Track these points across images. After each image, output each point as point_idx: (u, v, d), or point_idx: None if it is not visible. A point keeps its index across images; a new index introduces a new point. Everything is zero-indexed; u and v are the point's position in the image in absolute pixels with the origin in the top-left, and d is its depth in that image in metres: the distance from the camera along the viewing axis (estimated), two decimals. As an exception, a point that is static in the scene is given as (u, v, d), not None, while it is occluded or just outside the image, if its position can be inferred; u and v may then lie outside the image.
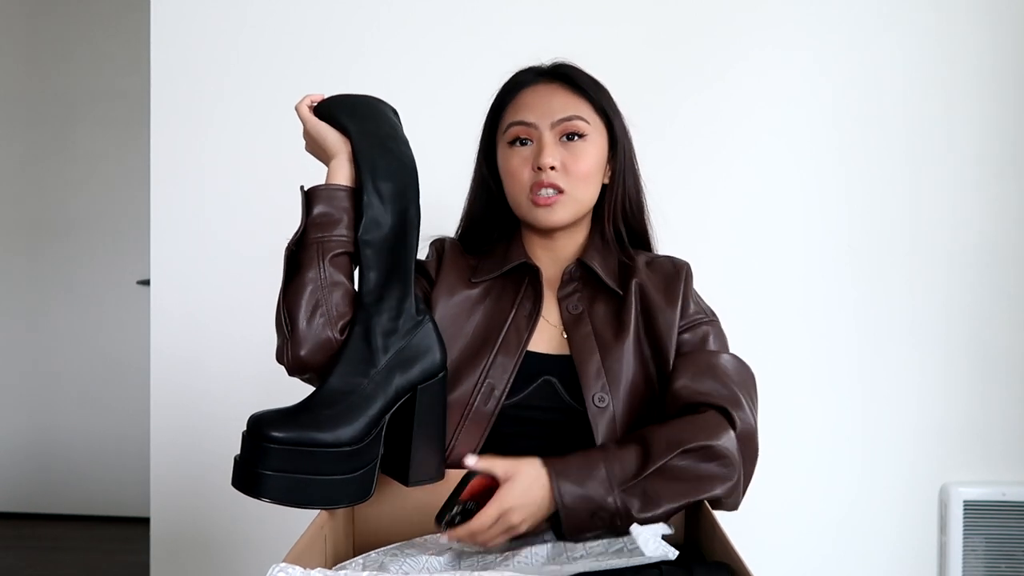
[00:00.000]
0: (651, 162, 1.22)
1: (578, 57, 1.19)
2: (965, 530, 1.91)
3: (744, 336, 1.97)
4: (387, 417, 0.87)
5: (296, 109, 1.01)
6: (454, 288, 1.11)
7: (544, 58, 1.18)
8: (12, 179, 3.29)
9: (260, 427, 0.82)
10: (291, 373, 1.00)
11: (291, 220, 2.17)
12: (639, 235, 1.18)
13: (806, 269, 1.95)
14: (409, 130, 1.97)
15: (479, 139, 1.19)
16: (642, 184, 1.17)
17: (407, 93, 1.98)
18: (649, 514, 0.88)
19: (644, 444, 0.93)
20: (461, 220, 1.22)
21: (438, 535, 0.91)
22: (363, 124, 0.97)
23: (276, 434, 0.81)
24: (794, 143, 1.94)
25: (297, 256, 0.97)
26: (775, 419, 1.95)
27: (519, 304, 1.09)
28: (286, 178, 2.01)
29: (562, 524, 0.87)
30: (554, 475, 0.89)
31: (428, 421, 0.92)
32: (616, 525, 0.88)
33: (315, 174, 2.13)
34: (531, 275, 1.12)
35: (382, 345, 0.89)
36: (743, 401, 0.99)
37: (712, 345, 1.07)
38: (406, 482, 0.91)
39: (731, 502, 0.95)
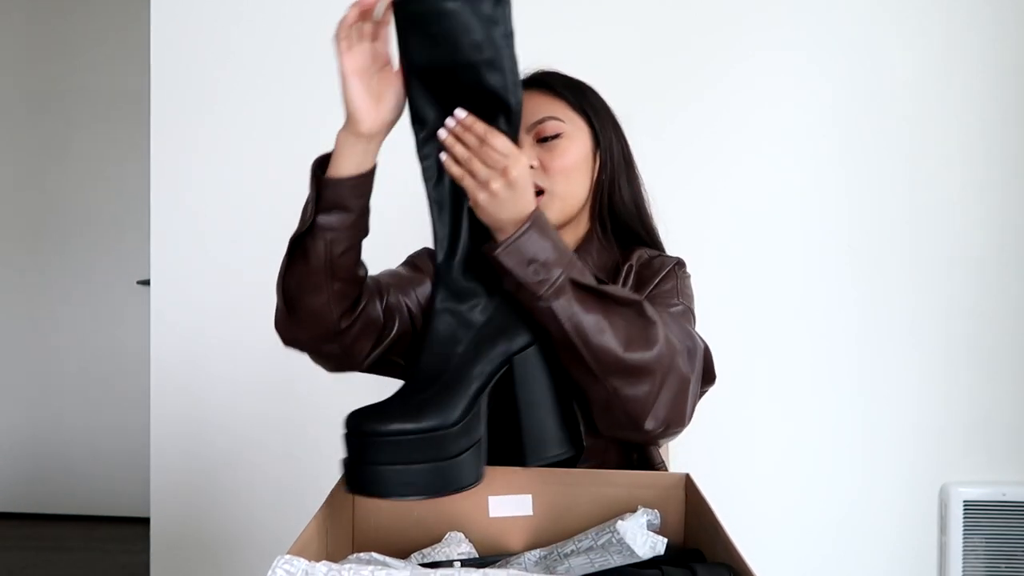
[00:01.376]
0: (651, 163, 1.22)
1: (578, 60, 1.19)
2: (965, 530, 1.91)
3: (744, 336, 1.98)
4: (485, 394, 0.85)
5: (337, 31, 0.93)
6: None
7: (545, 61, 1.17)
8: (12, 179, 3.29)
9: (361, 424, 0.79)
10: (285, 344, 1.02)
11: (291, 220, 2.16)
12: (641, 233, 1.17)
13: (806, 269, 1.95)
14: (409, 128, 1.98)
15: None
16: (640, 181, 1.17)
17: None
18: (568, 310, 0.87)
19: (611, 280, 1.01)
20: None
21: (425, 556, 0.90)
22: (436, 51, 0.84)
23: (379, 427, 0.78)
24: (794, 144, 1.94)
25: (304, 240, 0.95)
26: (775, 419, 1.96)
27: None
28: (286, 178, 2.01)
29: (506, 242, 0.86)
30: (539, 213, 0.88)
31: (532, 392, 0.89)
32: (533, 293, 0.86)
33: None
34: None
35: (466, 321, 0.87)
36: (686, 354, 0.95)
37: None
38: (525, 464, 0.89)
39: (642, 399, 0.91)
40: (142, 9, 2.14)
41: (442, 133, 0.85)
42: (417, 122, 0.88)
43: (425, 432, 0.79)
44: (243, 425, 2.03)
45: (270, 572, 0.64)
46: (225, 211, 2.02)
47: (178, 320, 2.04)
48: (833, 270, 1.94)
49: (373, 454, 0.78)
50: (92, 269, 3.27)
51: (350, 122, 0.94)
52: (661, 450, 1.14)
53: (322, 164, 0.97)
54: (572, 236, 1.14)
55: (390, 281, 1.09)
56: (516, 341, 0.88)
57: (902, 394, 1.95)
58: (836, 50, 1.94)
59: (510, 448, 0.90)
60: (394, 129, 1.22)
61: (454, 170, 0.85)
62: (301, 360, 2.17)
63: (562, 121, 1.08)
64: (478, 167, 0.84)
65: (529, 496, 0.93)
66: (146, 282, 2.15)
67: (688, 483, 0.93)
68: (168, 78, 2.02)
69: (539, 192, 1.06)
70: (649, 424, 0.92)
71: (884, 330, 1.95)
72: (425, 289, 1.11)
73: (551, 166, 1.07)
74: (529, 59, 1.20)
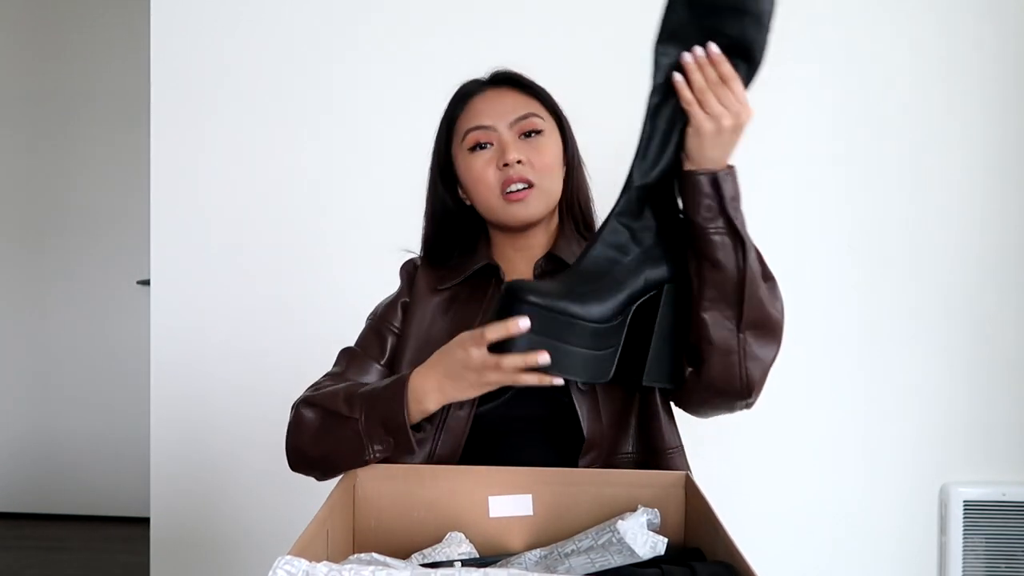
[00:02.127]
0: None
1: (575, 58, 1.19)
2: (965, 530, 1.91)
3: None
4: (634, 307, 0.91)
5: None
6: (424, 298, 1.14)
7: (538, 59, 1.19)
8: (12, 179, 3.29)
9: (518, 291, 0.87)
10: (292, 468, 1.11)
11: (289, 220, 2.17)
12: (586, 221, 1.20)
13: (806, 269, 1.95)
14: (407, 128, 1.97)
15: (432, 156, 1.17)
16: (587, 175, 1.20)
17: (407, 89, 1.98)
18: (752, 250, 0.92)
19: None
20: (423, 242, 1.21)
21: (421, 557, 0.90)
22: None
23: (533, 298, 0.86)
24: (794, 145, 1.94)
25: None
26: (776, 419, 1.95)
27: (487, 304, 1.10)
28: (286, 177, 2.02)
29: (727, 171, 0.92)
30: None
31: (670, 321, 0.94)
32: (731, 224, 0.91)
33: (314, 174, 2.12)
34: (496, 276, 1.12)
35: (636, 236, 0.92)
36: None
37: None
38: (641, 381, 0.95)
39: (763, 362, 0.96)
40: (142, 9, 2.14)
41: (687, 57, 0.87)
42: (664, 41, 0.90)
43: (586, 320, 0.88)
44: (243, 425, 2.03)
45: (271, 573, 0.64)
46: (225, 211, 2.02)
47: (178, 320, 2.04)
48: (833, 270, 1.94)
49: (533, 323, 0.85)
50: (92, 269, 3.27)
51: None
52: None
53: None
54: (545, 235, 1.15)
55: (355, 379, 1.11)
56: (670, 271, 0.94)
57: (902, 394, 1.95)
58: (836, 51, 1.93)
59: (630, 365, 0.94)
60: (392, 127, 1.21)
61: (686, 94, 0.88)
62: (301, 361, 2.16)
63: (542, 118, 1.10)
64: (712, 101, 0.87)
65: (529, 496, 0.93)
66: (146, 282, 2.15)
67: (688, 482, 0.93)
68: (168, 78, 2.02)
69: (529, 186, 1.07)
70: (755, 392, 0.97)
71: (884, 330, 1.94)
72: (387, 345, 1.13)
73: (537, 163, 1.08)
74: (522, 54, 1.21)
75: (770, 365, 0.97)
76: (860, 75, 1.93)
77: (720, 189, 0.90)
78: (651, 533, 0.83)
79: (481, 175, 1.09)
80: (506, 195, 1.07)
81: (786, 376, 1.94)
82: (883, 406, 1.95)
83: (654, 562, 0.83)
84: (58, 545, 3.02)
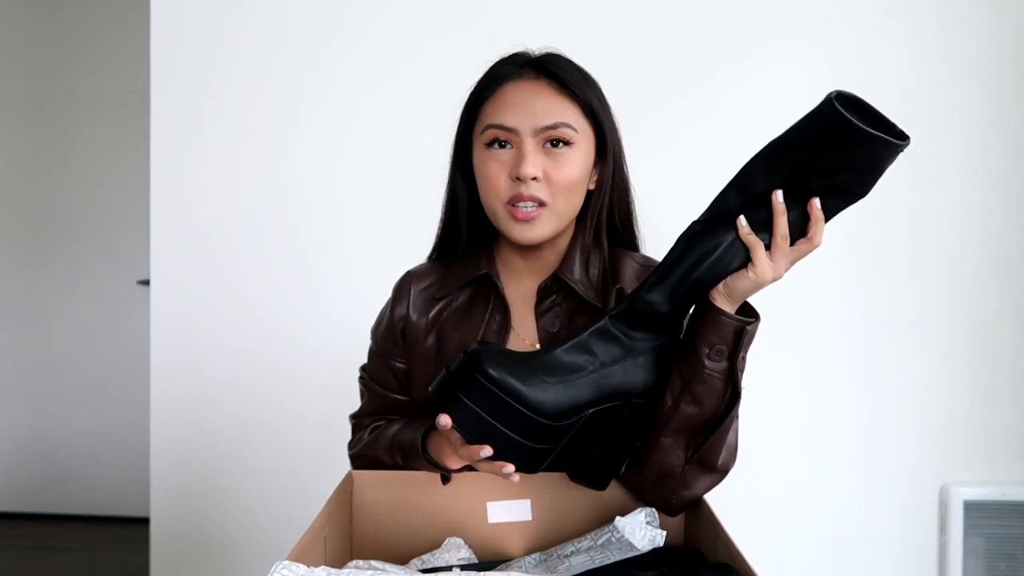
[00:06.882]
0: (645, 161, 1.20)
1: (573, 51, 1.13)
2: (965, 530, 1.92)
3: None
4: (589, 412, 0.87)
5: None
6: (422, 315, 1.08)
7: (538, 45, 1.08)
8: (12, 179, 3.29)
9: (479, 358, 0.83)
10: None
11: (289, 220, 2.16)
12: (625, 240, 1.12)
13: (805, 269, 1.94)
14: (407, 126, 1.97)
15: (453, 135, 1.08)
16: (631, 186, 1.10)
17: (407, 89, 1.98)
18: (736, 397, 0.89)
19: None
20: (437, 230, 1.14)
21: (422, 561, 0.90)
22: None
23: (491, 370, 0.82)
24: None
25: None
26: (776, 420, 1.96)
27: (488, 320, 1.05)
28: (286, 177, 2.02)
29: (756, 320, 0.87)
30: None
31: (622, 434, 0.91)
32: (735, 375, 0.87)
33: (314, 174, 2.12)
34: (496, 289, 1.06)
35: (626, 345, 0.88)
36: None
37: None
38: (569, 477, 0.93)
39: (697, 491, 0.93)
40: (142, 9, 2.14)
41: (779, 196, 0.81)
42: (755, 186, 0.82)
43: (535, 414, 0.83)
44: (243, 425, 2.03)
45: (268, 577, 0.64)
46: (225, 211, 2.02)
47: (178, 320, 2.03)
48: (833, 270, 1.94)
49: (471, 390, 0.82)
50: (92, 269, 3.26)
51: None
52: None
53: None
54: (556, 250, 1.07)
55: (385, 412, 1.11)
56: (645, 387, 0.89)
57: (903, 394, 1.95)
58: (835, 46, 1.93)
59: (562, 458, 0.89)
60: (391, 127, 1.17)
61: (751, 237, 0.82)
62: (300, 361, 2.16)
63: (575, 130, 0.99)
64: (785, 247, 0.82)
65: (528, 501, 0.93)
66: (146, 282, 2.15)
67: (687, 486, 0.93)
68: (168, 78, 2.02)
69: (540, 205, 0.98)
70: (675, 512, 0.94)
71: (884, 330, 1.94)
72: (399, 376, 1.10)
73: (556, 179, 0.98)
74: (523, 44, 1.14)
75: (702, 495, 0.93)
76: (858, 71, 1.93)
77: (740, 340, 0.85)
78: (650, 527, 0.83)
79: (492, 178, 0.99)
80: (513, 210, 0.98)
81: (787, 376, 1.95)
82: (883, 406, 1.95)
83: (655, 564, 0.83)
84: (58, 545, 3.02)
